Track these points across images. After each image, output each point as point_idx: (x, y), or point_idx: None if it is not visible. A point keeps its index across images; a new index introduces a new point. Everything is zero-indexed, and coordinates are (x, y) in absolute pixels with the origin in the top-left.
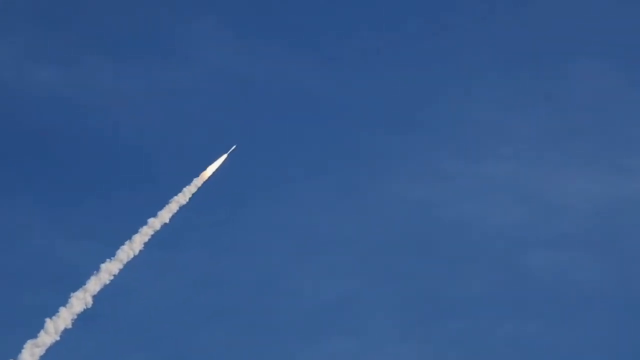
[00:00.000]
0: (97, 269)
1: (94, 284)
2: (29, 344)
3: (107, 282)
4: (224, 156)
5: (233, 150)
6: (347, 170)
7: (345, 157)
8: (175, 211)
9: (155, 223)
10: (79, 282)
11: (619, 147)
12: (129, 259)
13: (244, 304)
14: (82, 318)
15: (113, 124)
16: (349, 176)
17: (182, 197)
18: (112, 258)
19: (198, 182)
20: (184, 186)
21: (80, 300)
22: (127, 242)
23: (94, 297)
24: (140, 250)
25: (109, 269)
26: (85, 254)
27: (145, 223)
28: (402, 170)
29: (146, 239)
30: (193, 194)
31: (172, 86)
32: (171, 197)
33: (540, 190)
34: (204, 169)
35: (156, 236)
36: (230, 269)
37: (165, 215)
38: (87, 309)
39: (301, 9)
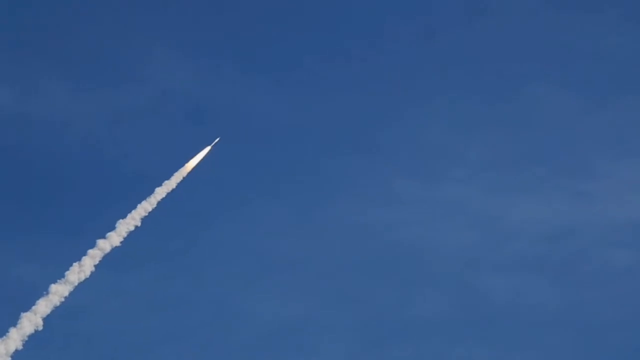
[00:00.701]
0: (47, 290)
1: (44, 306)
2: None
3: (58, 303)
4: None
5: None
6: (301, 193)
7: (299, 179)
8: (125, 234)
9: (105, 245)
10: (30, 303)
11: (573, 171)
12: (80, 281)
13: (195, 326)
14: (33, 339)
15: (66, 145)
16: (303, 198)
17: (132, 220)
18: (62, 279)
19: (147, 205)
20: (135, 208)
21: (30, 322)
22: (76, 264)
23: (44, 319)
24: (91, 272)
25: (59, 291)
26: (37, 275)
27: (95, 244)
28: (356, 193)
29: (97, 260)
30: (143, 218)
31: (128, 108)
32: (123, 217)
33: (494, 213)
34: (154, 191)
35: (108, 257)
36: (182, 290)
37: (116, 237)
38: (38, 330)
39: (255, 33)
